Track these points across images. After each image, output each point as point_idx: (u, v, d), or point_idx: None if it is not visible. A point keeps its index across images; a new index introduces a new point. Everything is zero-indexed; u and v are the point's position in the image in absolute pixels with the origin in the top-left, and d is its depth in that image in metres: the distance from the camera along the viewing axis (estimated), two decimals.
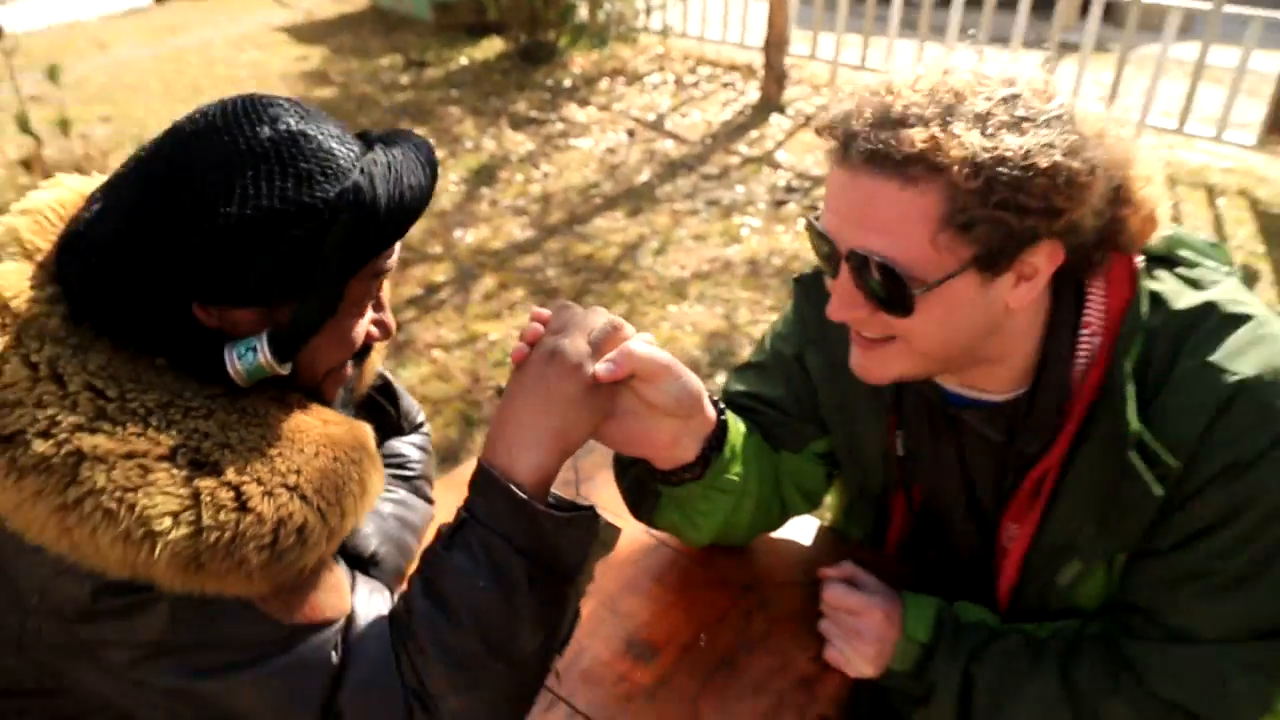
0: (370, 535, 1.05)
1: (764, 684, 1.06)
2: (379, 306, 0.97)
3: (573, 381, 0.89)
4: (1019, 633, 1.07)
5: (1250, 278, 3.89)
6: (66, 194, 0.92)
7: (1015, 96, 0.87)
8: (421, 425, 1.29)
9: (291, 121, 0.85)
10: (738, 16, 6.75)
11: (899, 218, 0.86)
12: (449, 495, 1.26)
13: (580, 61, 6.85)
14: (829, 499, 1.39)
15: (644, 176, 4.70)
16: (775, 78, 5.84)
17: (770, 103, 5.84)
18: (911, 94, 0.87)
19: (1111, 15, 5.53)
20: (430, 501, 1.21)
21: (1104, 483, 0.96)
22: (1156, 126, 5.19)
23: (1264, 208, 4.57)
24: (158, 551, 0.74)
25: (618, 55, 6.98)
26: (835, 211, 0.92)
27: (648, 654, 1.08)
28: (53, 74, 4.19)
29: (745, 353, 3.10)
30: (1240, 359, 0.91)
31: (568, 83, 6.36)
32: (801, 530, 1.32)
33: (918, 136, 0.84)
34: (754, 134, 5.41)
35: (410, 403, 1.27)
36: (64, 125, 4.25)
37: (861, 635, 1.07)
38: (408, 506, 1.15)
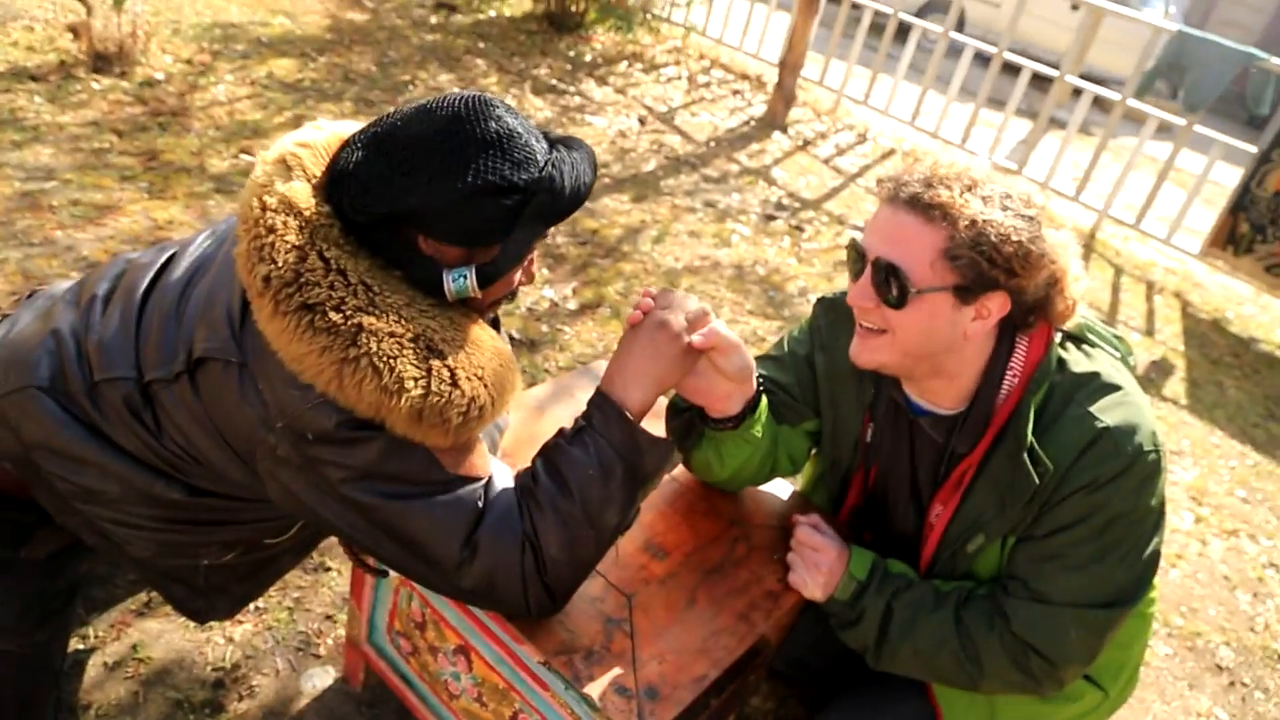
0: None
1: (742, 590, 1.42)
2: (531, 263, 1.30)
3: (674, 345, 1.26)
4: (930, 584, 1.45)
5: (1166, 369, 4.39)
6: (330, 136, 1.23)
7: (1010, 195, 1.28)
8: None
9: (509, 121, 1.16)
10: (758, 25, 7.08)
11: (915, 242, 1.26)
12: (516, 411, 1.60)
13: (603, 39, 7.12)
14: (804, 471, 1.78)
15: (650, 166, 5.02)
16: (784, 98, 6.19)
17: (775, 120, 6.19)
18: (949, 170, 1.28)
19: (1100, 102, 6.00)
20: (508, 411, 1.55)
21: (1005, 477, 1.35)
22: (1116, 218, 5.67)
23: (1193, 311, 5.10)
24: (402, 401, 1.07)
25: (638, 41, 7.28)
26: (874, 233, 1.31)
27: (660, 554, 1.44)
28: None
29: None
30: (1107, 413, 1.31)
31: (588, 57, 6.63)
32: (778, 490, 1.70)
33: (943, 195, 1.24)
34: (755, 146, 5.76)
35: (502, 332, 1.60)
36: (118, 0, 4.39)
37: (819, 567, 1.44)
38: None
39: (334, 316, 1.07)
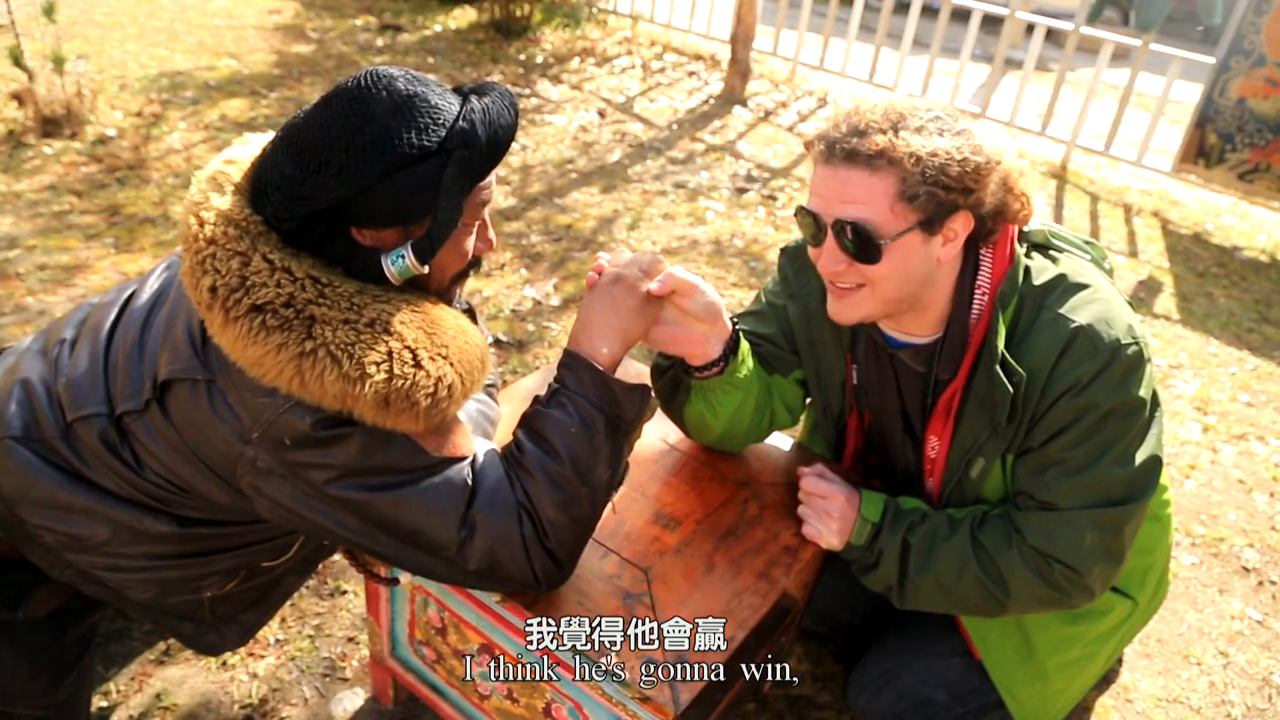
0: (465, 420, 1.36)
1: (760, 548, 1.40)
2: (484, 227, 1.26)
3: (632, 296, 1.25)
4: (944, 514, 1.43)
5: (1154, 287, 4.38)
6: (256, 150, 1.21)
7: (938, 116, 1.25)
8: (491, 343, 1.60)
9: (406, 87, 1.09)
10: (704, 6, 7.07)
11: (869, 194, 1.23)
12: (508, 404, 1.58)
13: (552, 39, 7.10)
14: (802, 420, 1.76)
15: (615, 156, 4.99)
16: (740, 72, 6.17)
17: (733, 95, 6.17)
18: (870, 114, 1.25)
19: (1053, 37, 5.99)
20: (497, 403, 1.53)
21: (988, 395, 1.33)
22: (1085, 147, 5.66)
23: (1173, 228, 5.09)
24: (366, 388, 1.04)
25: (587, 36, 7.25)
26: (820, 196, 1.29)
27: (672, 524, 1.42)
28: (49, 11, 4.27)
29: None
30: (1078, 312, 1.30)
31: (540, 59, 6.60)
32: (780, 445, 1.68)
33: (880, 140, 1.21)
34: (717, 123, 5.74)
35: (483, 325, 1.58)
36: (58, 62, 4.34)
37: (830, 514, 1.42)
38: (487, 404, 1.45)
39: (285, 313, 1.04)
